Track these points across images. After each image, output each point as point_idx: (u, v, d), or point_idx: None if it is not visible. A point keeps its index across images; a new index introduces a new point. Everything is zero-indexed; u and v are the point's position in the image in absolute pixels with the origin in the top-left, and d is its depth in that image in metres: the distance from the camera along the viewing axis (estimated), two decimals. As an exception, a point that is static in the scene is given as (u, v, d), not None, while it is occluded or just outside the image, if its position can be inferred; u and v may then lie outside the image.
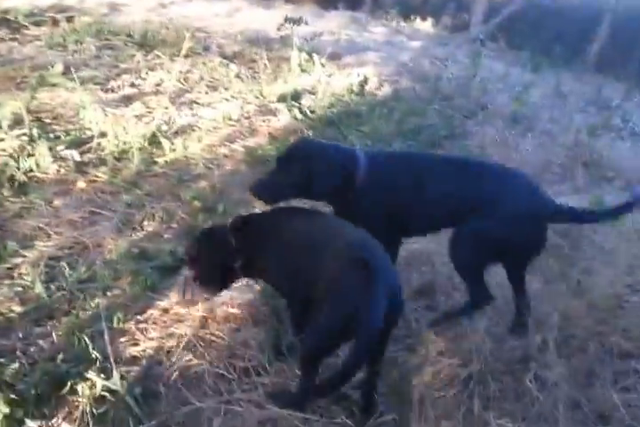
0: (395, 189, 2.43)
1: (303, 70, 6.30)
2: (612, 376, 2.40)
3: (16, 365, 2.14)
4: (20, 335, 2.36)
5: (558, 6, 11.72)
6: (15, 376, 2.09)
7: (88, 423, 1.99)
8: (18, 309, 2.48)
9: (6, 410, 1.91)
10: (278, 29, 6.41)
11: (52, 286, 2.61)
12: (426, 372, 2.36)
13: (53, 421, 2.01)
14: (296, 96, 5.23)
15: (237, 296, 2.67)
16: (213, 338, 2.44)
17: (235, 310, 2.60)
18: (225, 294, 2.61)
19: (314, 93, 5.53)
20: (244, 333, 2.48)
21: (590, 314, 2.62)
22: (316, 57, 6.23)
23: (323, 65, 6.30)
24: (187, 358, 2.33)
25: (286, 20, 6.30)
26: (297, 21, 6.37)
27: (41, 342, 2.34)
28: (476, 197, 2.43)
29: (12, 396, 1.98)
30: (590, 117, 6.66)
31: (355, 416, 2.13)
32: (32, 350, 2.29)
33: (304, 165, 2.36)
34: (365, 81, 5.61)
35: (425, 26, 11.59)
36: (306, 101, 5.26)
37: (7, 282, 2.62)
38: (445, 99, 6.45)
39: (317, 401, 2.15)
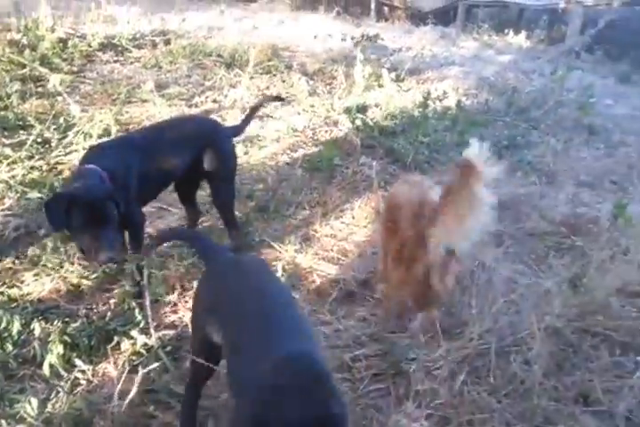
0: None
1: (380, 85, 6.74)
2: (603, 365, 2.60)
3: (77, 324, 2.69)
4: (86, 302, 2.95)
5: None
6: (74, 330, 2.63)
7: (127, 370, 2.46)
8: (85, 282, 3.07)
9: (61, 351, 2.47)
10: (355, 46, 6.85)
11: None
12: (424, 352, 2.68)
13: (101, 366, 2.54)
14: (362, 109, 5.64)
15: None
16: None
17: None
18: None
19: (381, 106, 5.93)
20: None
21: (591, 309, 2.82)
22: (385, 72, 6.63)
23: (393, 80, 6.68)
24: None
25: (361, 36, 6.73)
26: (372, 38, 6.79)
27: (101, 306, 2.91)
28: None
29: (68, 341, 2.53)
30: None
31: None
32: (92, 313, 2.86)
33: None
34: (429, 94, 5.90)
35: (518, 39, 11.67)
36: (371, 113, 5.67)
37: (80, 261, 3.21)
38: (521, 111, 6.61)
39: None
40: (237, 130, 3.53)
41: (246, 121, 3.56)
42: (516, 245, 3.66)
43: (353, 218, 3.94)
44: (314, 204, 4.09)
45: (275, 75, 6.84)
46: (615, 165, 5.10)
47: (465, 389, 2.49)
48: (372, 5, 14.05)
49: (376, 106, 5.94)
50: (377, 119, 5.55)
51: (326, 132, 5.31)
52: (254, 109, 3.65)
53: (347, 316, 2.96)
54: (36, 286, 3.02)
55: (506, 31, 12.09)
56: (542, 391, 2.41)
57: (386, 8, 14.33)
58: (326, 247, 3.58)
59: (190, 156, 3.09)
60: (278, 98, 4.49)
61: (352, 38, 6.83)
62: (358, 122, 5.25)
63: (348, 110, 5.49)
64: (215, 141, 3.21)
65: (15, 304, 2.87)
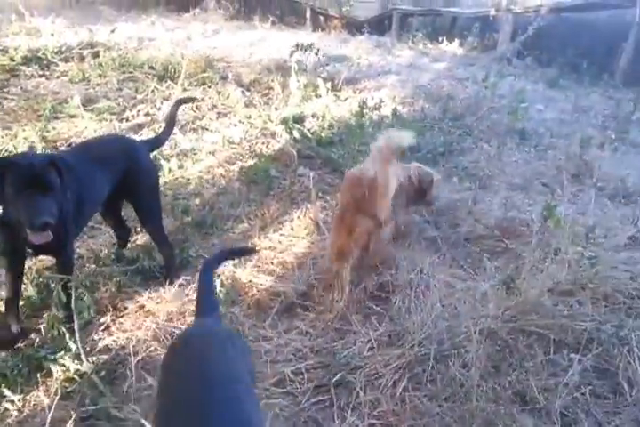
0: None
1: (317, 95, 6.83)
2: (538, 364, 2.70)
3: (5, 353, 2.63)
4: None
5: (588, 21, 11.91)
6: (2, 360, 2.57)
7: (60, 397, 2.42)
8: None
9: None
10: (290, 56, 6.90)
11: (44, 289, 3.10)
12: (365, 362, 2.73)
13: (32, 394, 2.47)
14: (299, 119, 5.69)
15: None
16: (177, 330, 2.87)
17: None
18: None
19: (318, 116, 6.00)
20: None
21: (525, 309, 2.93)
22: (321, 82, 6.71)
23: (330, 90, 6.78)
24: (152, 347, 2.76)
25: (296, 46, 6.78)
26: (307, 48, 6.85)
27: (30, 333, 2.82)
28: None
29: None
30: (603, 131, 6.84)
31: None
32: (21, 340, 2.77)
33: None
34: (365, 103, 6.00)
35: (452, 47, 11.98)
36: (308, 124, 5.73)
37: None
38: (456, 118, 6.80)
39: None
40: (158, 141, 3.46)
41: (167, 131, 3.49)
42: (453, 249, 3.76)
43: (292, 229, 3.96)
44: (252, 217, 4.10)
45: (209, 86, 6.84)
46: (545, 168, 5.29)
47: (406, 395, 2.55)
48: (308, 15, 14.19)
49: (313, 116, 6.02)
50: (314, 129, 5.62)
51: (263, 143, 5.34)
52: (172, 117, 3.54)
53: (287, 329, 2.98)
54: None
55: (440, 39, 12.40)
56: (481, 393, 2.47)
57: (321, 17, 14.48)
58: (266, 260, 3.58)
59: (116, 176, 3.00)
60: (190, 99, 4.83)
61: (290, 48, 6.86)
62: (295, 133, 5.30)
63: (285, 121, 5.54)
64: (136, 160, 3.12)
65: None
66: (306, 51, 6.98)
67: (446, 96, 7.48)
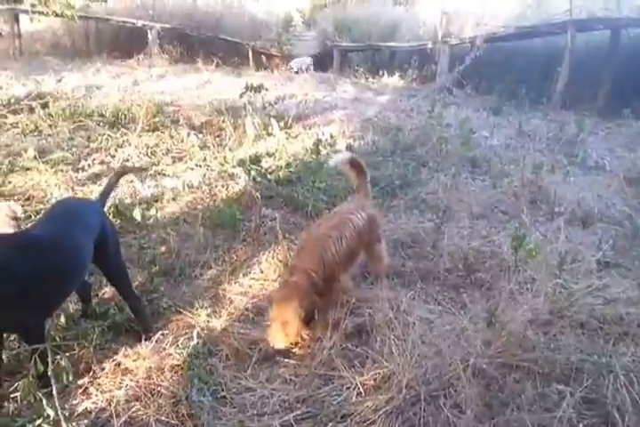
0: None
1: (270, 134, 6.80)
2: (530, 398, 2.64)
3: (-24, 426, 2.44)
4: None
5: (523, 48, 12.35)
6: None
7: None
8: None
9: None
10: (240, 97, 6.87)
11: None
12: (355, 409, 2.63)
13: None
14: (256, 160, 5.63)
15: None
16: (158, 388, 2.72)
17: (178, 362, 2.89)
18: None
19: (273, 156, 5.97)
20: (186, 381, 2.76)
21: (508, 343, 2.88)
22: (274, 121, 6.70)
23: (282, 128, 6.77)
24: (134, 408, 2.61)
25: (246, 87, 6.77)
26: (257, 88, 6.85)
27: (5, 402, 2.63)
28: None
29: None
30: (551, 155, 7.01)
31: None
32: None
33: None
34: (320, 140, 6.00)
35: (393, 80, 12.24)
36: (265, 163, 5.67)
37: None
38: (407, 149, 6.85)
39: None
40: (104, 203, 3.28)
41: (104, 198, 3.25)
42: (426, 284, 3.72)
43: (262, 272, 3.87)
44: (220, 262, 3.99)
45: (162, 131, 6.74)
46: (502, 195, 5.35)
47: (401, 441, 2.46)
48: (250, 55, 14.27)
49: (268, 155, 5.97)
50: (272, 169, 5.57)
51: (223, 186, 5.24)
52: (110, 186, 3.33)
53: (270, 379, 2.86)
54: None
55: (380, 73, 12.67)
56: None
57: (264, 57, 14.59)
58: (239, 307, 3.47)
59: (92, 242, 2.84)
60: (138, 169, 4.39)
61: (240, 89, 6.83)
62: (254, 173, 5.22)
63: (242, 162, 5.47)
64: (104, 220, 2.99)
65: None
66: (255, 92, 6.96)
67: (395, 128, 7.55)
